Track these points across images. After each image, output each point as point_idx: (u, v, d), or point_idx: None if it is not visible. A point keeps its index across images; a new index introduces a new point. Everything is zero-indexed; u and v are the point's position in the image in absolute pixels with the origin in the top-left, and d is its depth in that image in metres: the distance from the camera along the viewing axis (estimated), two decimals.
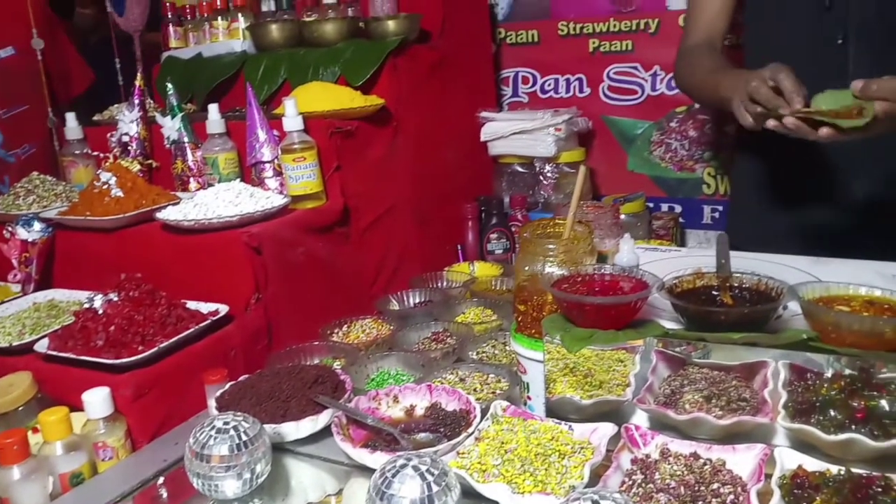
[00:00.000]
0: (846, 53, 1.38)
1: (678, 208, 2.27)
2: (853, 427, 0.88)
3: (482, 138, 2.19)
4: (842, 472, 0.81)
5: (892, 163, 1.38)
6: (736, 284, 0.95)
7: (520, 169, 2.24)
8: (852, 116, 1.07)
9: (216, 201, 1.39)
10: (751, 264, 1.23)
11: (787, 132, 1.12)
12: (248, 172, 1.59)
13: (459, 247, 2.05)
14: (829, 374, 0.99)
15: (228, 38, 1.97)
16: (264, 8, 1.98)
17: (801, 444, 0.91)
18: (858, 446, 0.87)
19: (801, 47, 1.41)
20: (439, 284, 1.69)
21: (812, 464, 0.84)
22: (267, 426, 1.02)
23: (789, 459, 0.84)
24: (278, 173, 1.54)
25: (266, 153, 1.53)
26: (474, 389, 1.18)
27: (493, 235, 2.06)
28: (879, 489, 0.78)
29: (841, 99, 1.10)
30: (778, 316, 0.95)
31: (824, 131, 1.07)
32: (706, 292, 0.95)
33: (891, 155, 1.36)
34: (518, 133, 2.14)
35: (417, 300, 1.60)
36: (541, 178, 2.20)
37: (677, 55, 1.60)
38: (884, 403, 0.92)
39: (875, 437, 0.87)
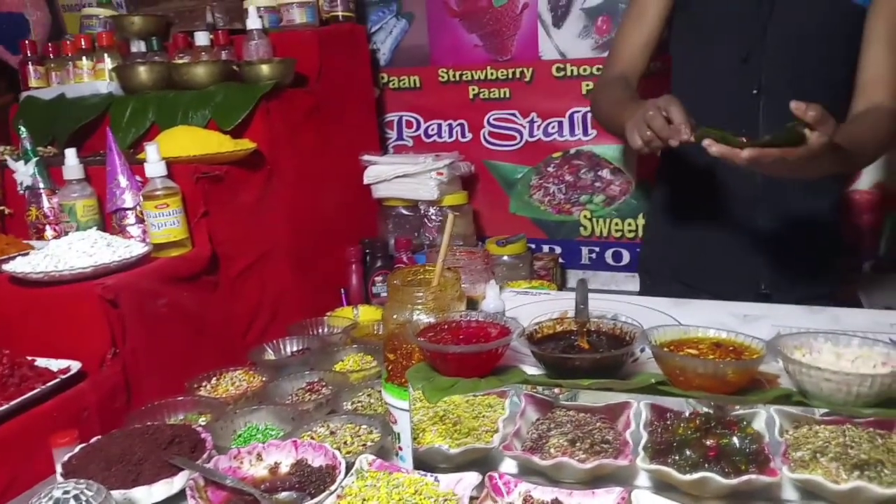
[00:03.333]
0: (758, 104, 1.47)
1: (558, 249, 2.33)
2: (706, 465, 0.91)
3: (365, 181, 2.18)
4: None
5: (790, 203, 1.47)
6: (593, 329, 0.96)
7: (404, 211, 2.25)
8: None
9: (69, 252, 1.31)
10: (615, 307, 1.27)
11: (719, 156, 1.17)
12: (109, 220, 1.51)
13: (343, 291, 2.01)
14: (687, 413, 1.03)
15: (93, 79, 1.89)
16: (133, 49, 1.91)
17: (662, 484, 0.93)
18: (711, 484, 0.89)
19: (720, 94, 1.51)
20: (319, 331, 1.64)
21: None
22: (116, 492, 0.94)
23: (646, 501, 0.85)
24: (141, 220, 1.47)
25: (128, 199, 1.46)
26: (344, 443, 1.14)
27: (378, 278, 2.05)
28: None
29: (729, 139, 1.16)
30: (635, 359, 0.97)
31: (745, 153, 1.12)
32: (565, 337, 0.96)
33: (789, 195, 1.45)
34: (401, 176, 2.15)
35: (295, 348, 1.54)
36: (425, 220, 2.21)
37: (595, 86, 1.66)
38: (735, 441, 0.96)
39: (726, 475, 0.90)
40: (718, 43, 1.52)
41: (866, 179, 1.94)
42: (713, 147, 1.13)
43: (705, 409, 1.02)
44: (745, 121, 1.46)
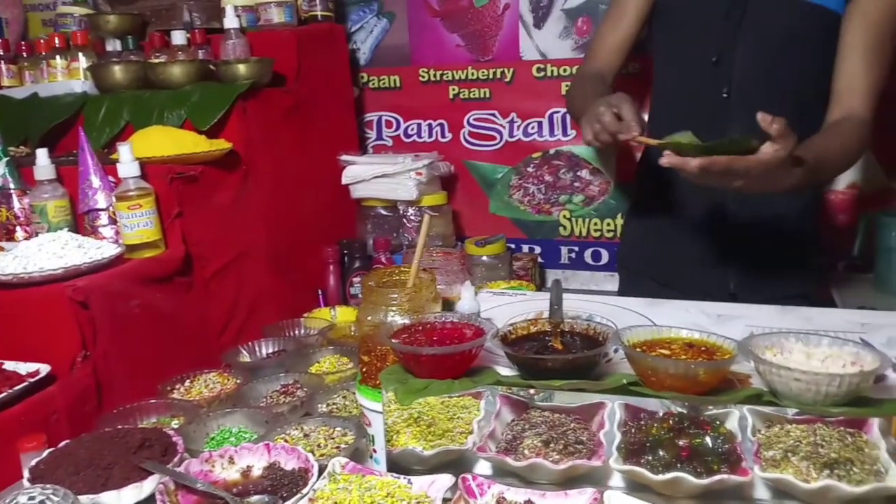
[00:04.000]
0: (729, 106, 1.48)
1: (537, 249, 2.33)
2: (679, 466, 0.91)
3: (343, 181, 2.17)
4: None
5: (761, 204, 1.46)
6: (567, 330, 0.96)
7: (383, 212, 2.24)
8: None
9: (39, 253, 1.29)
10: (591, 307, 1.27)
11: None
12: (82, 221, 1.49)
13: (320, 292, 2.00)
14: (660, 413, 1.03)
15: (68, 78, 1.86)
16: (109, 48, 1.89)
17: (635, 484, 0.93)
18: (684, 484, 0.89)
19: (692, 95, 1.53)
20: (295, 332, 1.63)
21: None
22: (84, 497, 0.93)
23: (618, 502, 0.85)
24: (114, 221, 1.45)
25: (100, 200, 1.44)
26: (318, 445, 1.13)
27: (356, 279, 2.04)
28: None
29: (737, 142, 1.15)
30: (608, 359, 0.97)
31: (694, 162, 1.12)
32: (539, 338, 0.96)
33: (761, 197, 1.45)
34: (380, 177, 2.14)
35: (270, 350, 1.53)
36: (404, 220, 2.20)
37: (572, 81, 1.68)
38: (708, 441, 0.96)
39: (698, 475, 0.89)
40: (691, 44, 1.53)
41: (841, 180, 1.96)
42: (664, 159, 1.14)
43: (679, 410, 1.02)
44: (717, 122, 1.47)
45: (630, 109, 1.25)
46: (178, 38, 1.85)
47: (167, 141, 1.51)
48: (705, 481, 0.88)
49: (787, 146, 1.12)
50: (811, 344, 0.86)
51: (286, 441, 1.13)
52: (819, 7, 1.38)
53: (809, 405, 0.78)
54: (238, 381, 1.37)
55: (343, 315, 1.77)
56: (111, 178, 1.47)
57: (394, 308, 1.04)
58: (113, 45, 1.87)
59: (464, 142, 2.36)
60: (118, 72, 1.76)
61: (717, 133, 1.35)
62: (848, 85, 1.38)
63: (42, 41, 1.94)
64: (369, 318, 1.06)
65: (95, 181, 1.45)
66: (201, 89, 1.70)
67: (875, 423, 0.94)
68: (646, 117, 1.45)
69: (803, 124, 1.42)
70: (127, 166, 1.41)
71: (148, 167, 1.46)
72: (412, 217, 2.18)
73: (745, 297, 1.27)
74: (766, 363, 0.80)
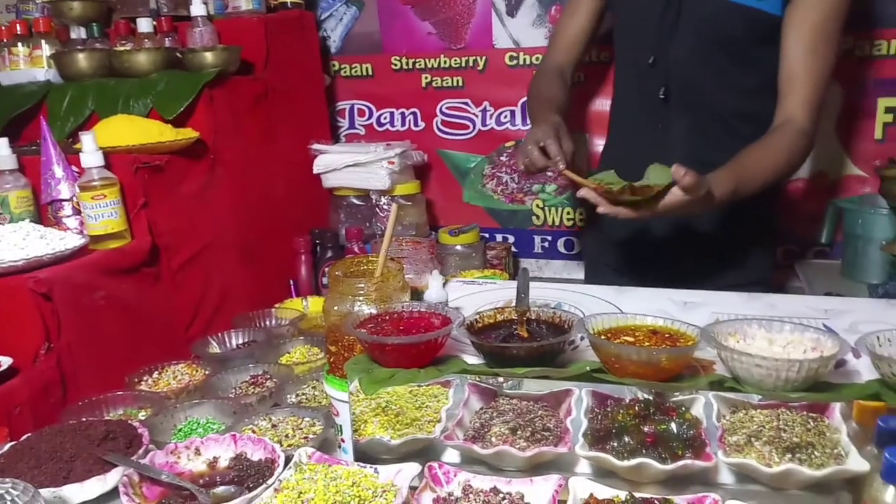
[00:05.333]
0: (668, 107, 1.50)
1: (511, 238, 2.34)
2: (644, 451, 0.92)
3: (315, 171, 2.16)
4: (627, 498, 0.83)
5: None
6: (533, 318, 0.96)
7: (356, 201, 2.23)
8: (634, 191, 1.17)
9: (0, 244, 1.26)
10: (560, 295, 1.28)
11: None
12: (45, 211, 1.47)
13: (292, 282, 1.99)
14: (627, 400, 1.03)
15: (31, 66, 1.82)
16: (73, 35, 1.85)
17: (601, 470, 0.94)
18: (648, 470, 0.90)
19: (635, 97, 1.57)
20: (266, 323, 1.62)
21: (603, 491, 0.85)
22: (46, 491, 0.92)
23: (582, 489, 0.86)
24: (78, 212, 1.43)
25: (63, 191, 1.42)
26: (286, 436, 1.13)
27: (329, 269, 2.02)
28: None
29: (661, 175, 1.18)
30: (575, 347, 0.97)
31: (601, 208, 1.20)
32: (506, 326, 0.96)
33: None
34: (352, 166, 2.13)
35: (240, 341, 1.52)
36: (377, 210, 2.19)
37: (535, 74, 1.71)
38: (673, 427, 0.96)
39: (663, 460, 0.90)
40: (632, 45, 1.56)
41: (808, 168, 1.98)
42: (581, 192, 1.22)
43: (645, 396, 1.03)
44: (657, 123, 1.51)
45: (554, 145, 1.32)
46: (144, 25, 1.82)
47: (132, 130, 1.49)
48: (669, 467, 0.89)
49: (695, 193, 1.17)
50: (773, 330, 0.87)
51: (254, 432, 1.12)
52: (754, 10, 1.37)
53: (770, 390, 0.79)
54: (207, 373, 1.36)
55: (315, 305, 1.76)
56: (75, 168, 1.44)
57: (361, 298, 1.03)
58: (77, 33, 1.83)
59: (437, 131, 2.35)
60: (82, 60, 1.73)
61: (659, 134, 1.50)
62: (789, 89, 1.39)
63: (3, 28, 1.89)
64: (336, 308, 1.05)
65: (58, 171, 1.43)
66: (167, 78, 1.68)
67: (837, 408, 0.96)
68: None
69: (743, 126, 1.46)
70: (90, 156, 1.39)
71: (112, 157, 1.44)
72: (385, 206, 2.17)
73: (701, 285, 1.27)
74: (727, 349, 0.80)
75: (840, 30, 1.38)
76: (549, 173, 1.64)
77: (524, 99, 2.21)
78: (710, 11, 1.41)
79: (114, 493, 0.97)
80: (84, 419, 1.11)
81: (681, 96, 1.48)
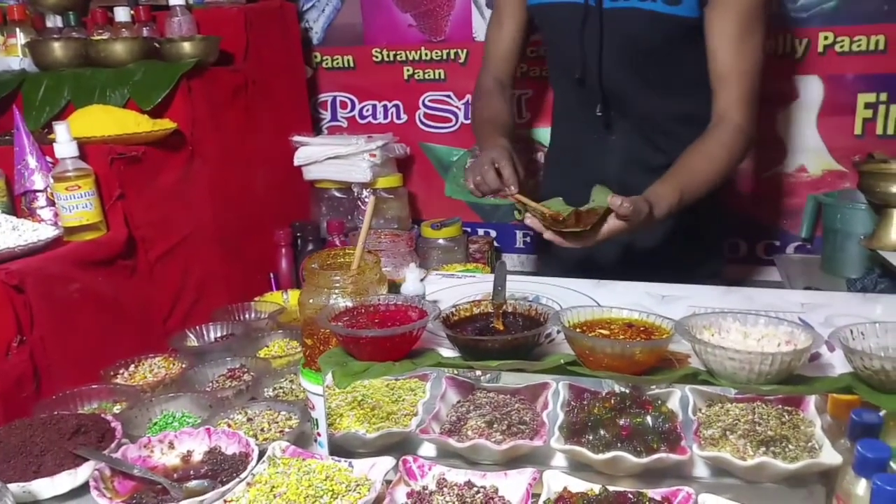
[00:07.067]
0: (609, 118, 1.51)
1: (493, 233, 2.33)
2: (619, 445, 0.92)
3: (296, 163, 2.14)
4: (601, 491, 0.83)
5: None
6: (510, 311, 0.96)
7: (337, 194, 2.21)
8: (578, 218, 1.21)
9: None
10: (539, 289, 1.28)
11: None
12: (19, 202, 1.45)
13: (272, 275, 1.97)
14: (604, 393, 1.04)
15: (5, 55, 1.79)
16: (49, 24, 1.82)
17: (577, 463, 0.94)
18: (623, 463, 0.90)
19: (572, 107, 1.58)
20: (245, 316, 1.61)
21: (577, 485, 0.85)
22: (14, 485, 0.92)
23: (556, 482, 0.86)
24: (52, 203, 1.41)
25: (37, 181, 1.39)
26: (262, 429, 1.12)
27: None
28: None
29: (606, 196, 1.19)
30: (551, 340, 0.97)
31: (547, 234, 1.21)
32: (482, 319, 0.95)
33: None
34: (333, 158, 2.11)
35: (218, 334, 1.51)
36: (359, 202, 2.18)
37: (474, 89, 1.70)
38: (648, 420, 0.97)
39: (638, 454, 0.91)
40: (561, 60, 1.57)
41: (790, 162, 1.99)
42: (527, 220, 1.23)
43: (621, 389, 1.03)
44: (596, 133, 1.53)
45: (509, 168, 1.33)
46: (122, 14, 1.79)
47: (107, 120, 1.47)
48: (644, 460, 0.89)
49: (634, 220, 1.18)
50: (748, 323, 0.87)
51: (229, 426, 1.11)
52: (670, 17, 1.37)
53: (743, 384, 0.79)
54: (183, 366, 1.35)
55: (295, 299, 1.74)
56: (49, 159, 1.42)
57: (337, 291, 1.02)
58: (53, 21, 1.81)
59: (419, 123, 2.34)
60: (58, 49, 1.70)
61: (600, 143, 1.53)
62: (721, 88, 1.39)
63: None
64: (311, 300, 1.04)
65: (32, 162, 1.40)
66: (145, 68, 1.66)
67: (811, 401, 0.96)
68: None
69: (681, 128, 1.46)
70: (64, 146, 1.36)
71: (87, 147, 1.42)
72: (366, 200, 2.16)
73: (648, 277, 1.28)
74: (701, 342, 0.80)
75: (764, 22, 1.39)
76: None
77: None
78: (628, 23, 1.41)
79: (85, 487, 0.96)
80: (56, 413, 1.10)
81: (616, 107, 1.50)
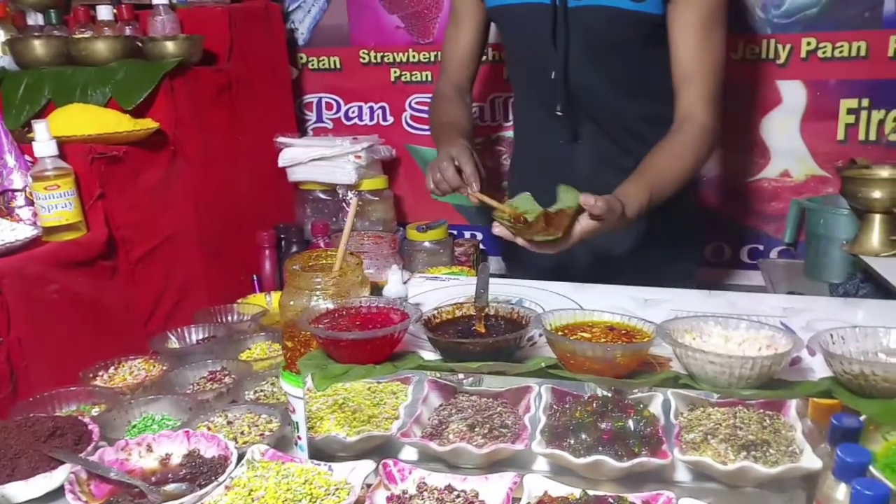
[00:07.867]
0: (571, 119, 1.49)
1: (479, 236, 2.33)
2: (600, 449, 0.91)
3: (280, 164, 2.13)
4: (582, 496, 0.83)
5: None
6: (492, 314, 0.95)
7: (322, 196, 2.21)
8: (541, 223, 1.16)
9: None
10: (522, 291, 1.27)
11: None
12: None
13: (256, 277, 1.96)
14: (586, 396, 1.03)
15: None
16: (30, 21, 1.80)
17: (559, 467, 0.93)
18: (604, 467, 0.89)
19: (536, 108, 1.55)
20: (228, 318, 1.59)
21: (558, 489, 0.85)
22: None
23: (536, 486, 0.85)
24: (31, 202, 1.39)
25: (16, 181, 1.38)
26: (241, 432, 1.11)
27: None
28: None
29: (573, 196, 1.16)
30: (533, 343, 0.96)
31: (519, 241, 1.16)
32: (464, 322, 0.95)
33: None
34: (317, 160, 2.11)
35: (200, 336, 1.49)
36: (344, 204, 2.17)
37: (434, 93, 1.68)
38: (630, 424, 0.96)
39: (619, 458, 0.90)
40: (527, 61, 1.55)
41: (774, 168, 2.00)
42: (495, 229, 1.18)
43: (603, 393, 1.03)
44: (561, 134, 1.52)
45: (470, 165, 1.31)
46: (104, 12, 1.78)
47: (88, 119, 1.45)
48: (625, 464, 0.89)
49: (608, 218, 1.15)
50: (729, 327, 0.87)
51: (209, 429, 1.10)
52: (636, 13, 1.37)
53: (724, 387, 0.79)
54: (164, 368, 1.33)
55: (278, 301, 1.73)
56: (28, 158, 1.41)
57: (318, 293, 1.02)
58: (34, 19, 1.79)
59: (406, 125, 2.34)
60: (39, 47, 1.68)
61: (566, 144, 1.50)
62: (684, 87, 1.38)
63: None
64: (292, 302, 1.03)
65: (10, 160, 1.39)
66: (127, 67, 1.64)
67: (792, 405, 0.96)
68: None
69: (647, 128, 1.46)
70: (43, 145, 1.35)
71: (67, 146, 1.41)
72: (351, 201, 2.15)
73: (619, 278, 1.27)
74: (681, 346, 0.80)
75: (725, 21, 1.39)
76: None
77: (493, 95, 2.21)
78: (596, 21, 1.40)
79: (60, 491, 0.95)
80: (31, 415, 1.08)
81: (582, 107, 1.49)
